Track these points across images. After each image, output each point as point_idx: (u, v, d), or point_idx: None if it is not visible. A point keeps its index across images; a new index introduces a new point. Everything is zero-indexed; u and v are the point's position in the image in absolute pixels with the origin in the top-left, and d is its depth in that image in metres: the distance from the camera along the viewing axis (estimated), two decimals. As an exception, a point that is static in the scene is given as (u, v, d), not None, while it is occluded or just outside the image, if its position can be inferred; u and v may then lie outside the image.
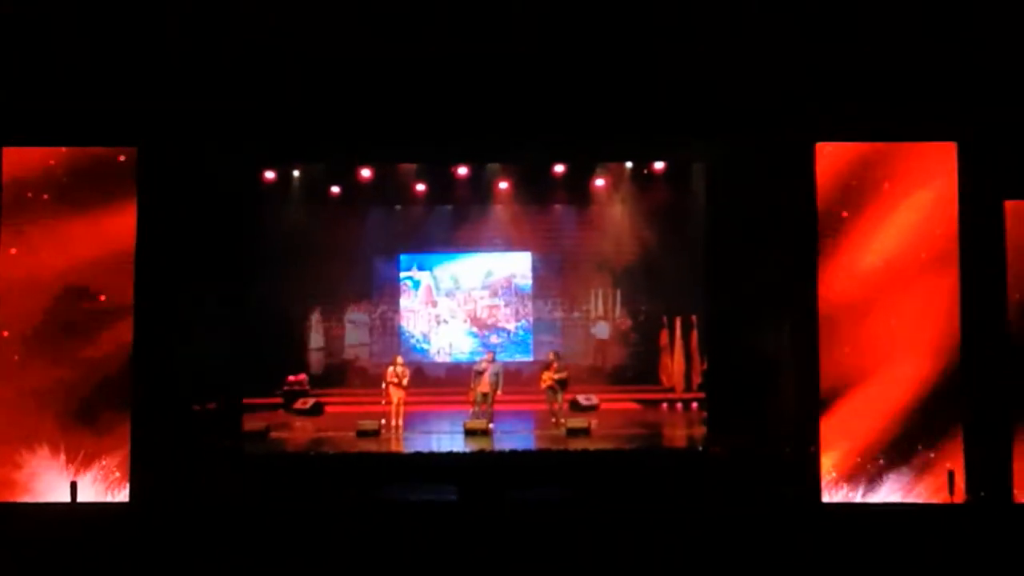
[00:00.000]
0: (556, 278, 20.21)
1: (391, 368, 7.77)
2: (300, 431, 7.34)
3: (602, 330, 15.02)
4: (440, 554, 4.58)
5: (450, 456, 5.96)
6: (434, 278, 17.38)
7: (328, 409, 9.16)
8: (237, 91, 4.73)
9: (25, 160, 4.96)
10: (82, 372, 4.90)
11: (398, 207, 18.60)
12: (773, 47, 4.74)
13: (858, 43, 4.75)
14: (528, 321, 16.47)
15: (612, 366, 11.55)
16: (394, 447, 6.79)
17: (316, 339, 17.31)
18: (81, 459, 4.85)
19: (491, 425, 7.23)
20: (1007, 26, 4.69)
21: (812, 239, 4.81)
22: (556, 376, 7.86)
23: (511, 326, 19.67)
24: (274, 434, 6.88)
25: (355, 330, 17.35)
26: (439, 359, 13.74)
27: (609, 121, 4.94)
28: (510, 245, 19.73)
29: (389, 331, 15.98)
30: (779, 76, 4.79)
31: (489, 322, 19.10)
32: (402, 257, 16.02)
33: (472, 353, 13.45)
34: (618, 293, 17.60)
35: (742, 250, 4.92)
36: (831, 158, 4.92)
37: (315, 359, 15.70)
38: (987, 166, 4.84)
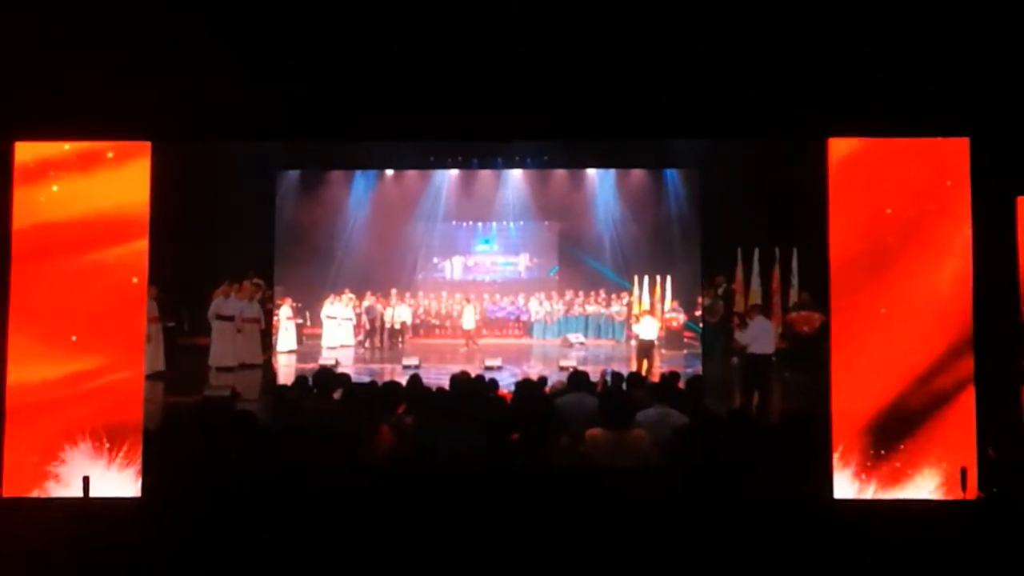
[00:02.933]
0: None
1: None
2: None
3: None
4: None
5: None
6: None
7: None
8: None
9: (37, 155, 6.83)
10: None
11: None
12: (783, 44, 6.51)
13: (870, 38, 6.46)
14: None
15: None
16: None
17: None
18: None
19: None
20: (1020, 19, 6.41)
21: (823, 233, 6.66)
22: None
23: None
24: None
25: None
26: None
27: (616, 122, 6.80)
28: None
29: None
30: (791, 73, 6.53)
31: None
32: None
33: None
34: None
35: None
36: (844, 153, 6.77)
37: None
38: (1000, 162, 6.57)
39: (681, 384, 8.91)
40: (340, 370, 12.34)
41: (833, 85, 6.64)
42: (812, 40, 6.61)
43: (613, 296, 21.10)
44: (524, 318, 21.68)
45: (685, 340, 18.58)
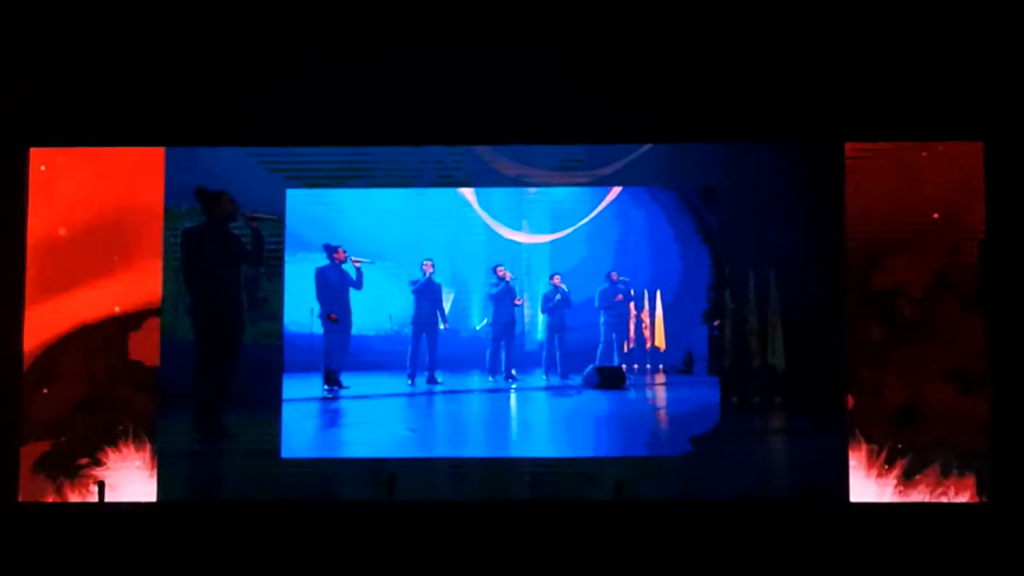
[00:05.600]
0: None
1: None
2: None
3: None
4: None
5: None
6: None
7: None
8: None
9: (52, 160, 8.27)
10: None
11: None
12: (797, 48, 8.28)
13: (884, 42, 8.25)
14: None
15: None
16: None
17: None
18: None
19: None
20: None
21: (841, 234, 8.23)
22: None
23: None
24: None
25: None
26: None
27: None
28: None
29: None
30: (806, 77, 8.28)
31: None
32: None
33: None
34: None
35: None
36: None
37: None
38: (1014, 165, 8.20)
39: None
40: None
41: (848, 89, 8.36)
42: (828, 44, 8.38)
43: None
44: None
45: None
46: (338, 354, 9.30)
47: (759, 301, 8.65)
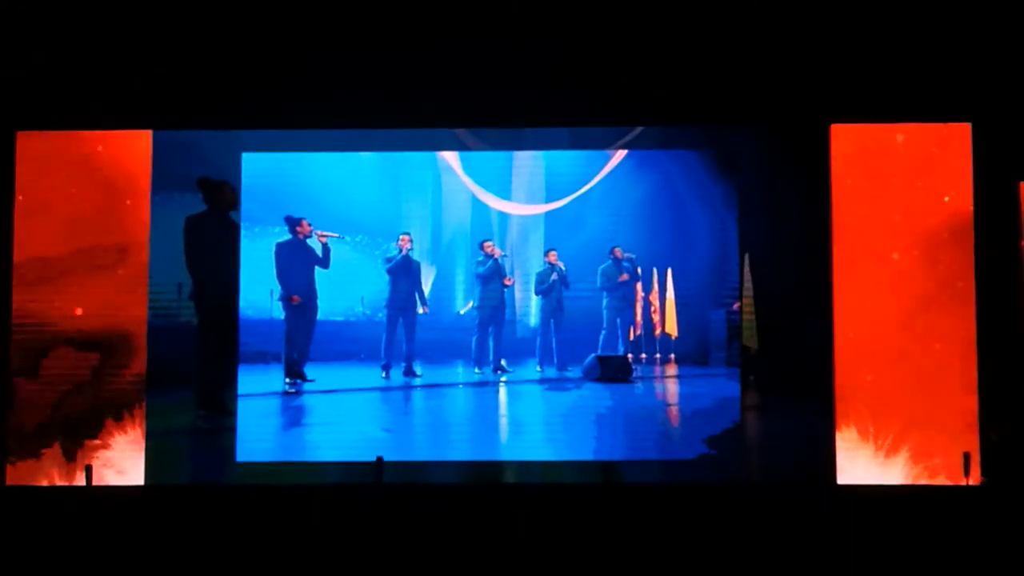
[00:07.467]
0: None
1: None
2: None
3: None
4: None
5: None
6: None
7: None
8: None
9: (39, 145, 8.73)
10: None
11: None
12: (785, 30, 9.18)
13: (872, 23, 9.21)
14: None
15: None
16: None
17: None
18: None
19: None
20: (1022, 4, 8.85)
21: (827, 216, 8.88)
22: None
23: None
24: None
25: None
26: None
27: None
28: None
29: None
30: (793, 59, 9.18)
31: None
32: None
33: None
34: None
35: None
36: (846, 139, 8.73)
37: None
38: (1002, 147, 9.20)
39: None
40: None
41: (835, 71, 9.44)
42: (814, 25, 9.44)
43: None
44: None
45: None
46: (302, 342, 9.67)
47: (779, 284, 9.69)
